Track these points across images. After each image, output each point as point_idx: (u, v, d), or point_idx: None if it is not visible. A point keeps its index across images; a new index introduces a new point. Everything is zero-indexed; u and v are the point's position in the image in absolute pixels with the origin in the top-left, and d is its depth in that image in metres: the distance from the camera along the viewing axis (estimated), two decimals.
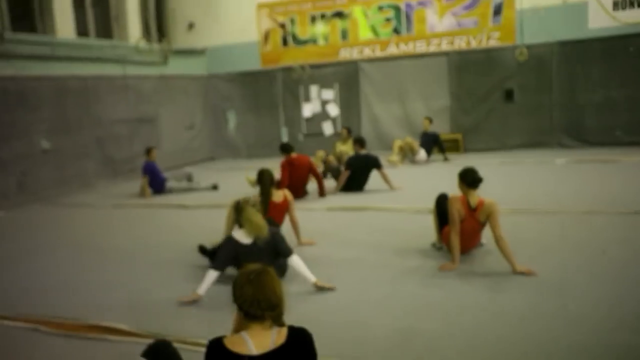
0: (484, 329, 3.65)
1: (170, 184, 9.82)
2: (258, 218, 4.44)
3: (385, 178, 8.60)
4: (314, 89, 13.44)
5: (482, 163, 10.51)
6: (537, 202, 7.11)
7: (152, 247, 6.19)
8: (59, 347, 3.83)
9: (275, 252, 4.51)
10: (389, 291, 4.43)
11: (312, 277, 4.47)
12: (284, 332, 2.34)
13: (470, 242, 5.06)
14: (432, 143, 11.21)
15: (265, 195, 5.73)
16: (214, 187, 9.72)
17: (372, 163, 8.69)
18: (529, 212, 6.60)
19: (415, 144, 11.12)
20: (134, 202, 9.11)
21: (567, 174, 9.07)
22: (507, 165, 10.26)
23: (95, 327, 4.04)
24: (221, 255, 4.42)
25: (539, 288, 4.26)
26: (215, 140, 14.57)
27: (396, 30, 12.71)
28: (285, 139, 13.82)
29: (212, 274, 4.34)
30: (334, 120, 13.40)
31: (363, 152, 8.86)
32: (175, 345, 2.92)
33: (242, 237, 4.44)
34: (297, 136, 13.75)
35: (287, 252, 4.50)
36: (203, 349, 2.39)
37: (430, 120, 11.43)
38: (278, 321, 2.36)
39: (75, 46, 10.79)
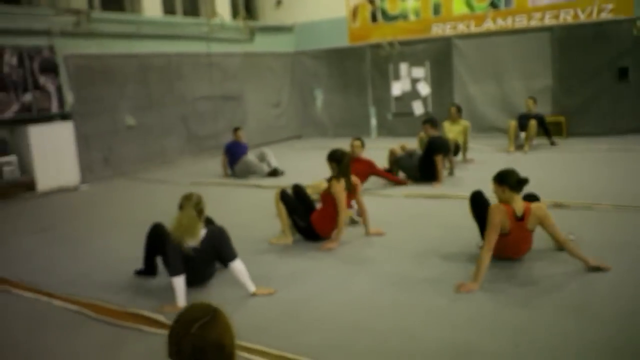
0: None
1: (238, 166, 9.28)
2: (188, 220, 3.97)
3: (440, 170, 7.60)
4: (403, 67, 12.73)
5: (587, 149, 9.54)
6: None
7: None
8: (99, 333, 3.64)
9: (217, 255, 4.09)
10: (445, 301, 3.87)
11: (251, 287, 4.03)
12: None
13: (521, 250, 4.35)
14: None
15: (347, 176, 5.24)
16: (273, 173, 9.04)
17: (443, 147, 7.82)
18: (638, 210, 5.69)
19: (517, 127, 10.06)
20: (212, 180, 9.00)
21: None
22: (616, 152, 9.12)
23: (134, 316, 3.82)
24: (173, 261, 3.96)
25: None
26: (302, 119, 14.30)
27: (493, 4, 11.69)
28: (373, 118, 13.30)
29: (179, 281, 3.91)
30: (424, 99, 12.66)
31: (436, 133, 8.05)
32: None
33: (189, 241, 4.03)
34: (385, 115, 13.17)
35: (230, 256, 4.04)
36: None
37: (535, 101, 10.30)
38: None
39: (160, 24, 10.84)
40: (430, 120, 8.19)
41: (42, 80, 8.96)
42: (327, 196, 5.20)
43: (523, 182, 4.11)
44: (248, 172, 9.12)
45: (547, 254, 4.48)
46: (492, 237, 3.98)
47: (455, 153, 8.90)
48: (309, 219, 5.27)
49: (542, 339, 3.17)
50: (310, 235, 5.30)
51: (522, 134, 10.02)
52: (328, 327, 3.52)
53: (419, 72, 12.59)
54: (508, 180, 4.11)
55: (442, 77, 12.37)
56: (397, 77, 12.85)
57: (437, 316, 3.55)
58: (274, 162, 9.26)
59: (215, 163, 10.17)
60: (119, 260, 5.03)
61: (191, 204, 4.04)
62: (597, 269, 4.03)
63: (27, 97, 8.76)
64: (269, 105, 13.49)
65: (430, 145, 7.74)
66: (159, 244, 4.37)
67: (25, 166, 8.67)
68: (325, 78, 13.82)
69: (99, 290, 4.37)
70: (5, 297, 4.44)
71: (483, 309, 3.60)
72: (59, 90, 9.15)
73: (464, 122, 9.23)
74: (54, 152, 8.89)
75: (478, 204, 4.56)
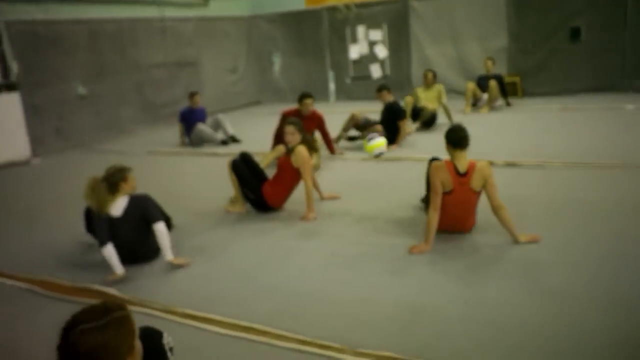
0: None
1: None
2: (92, 187, 4.01)
3: (403, 134, 7.76)
4: (361, 30, 12.62)
5: (542, 108, 9.71)
6: (600, 154, 6.30)
7: (175, 197, 5.86)
8: (53, 309, 3.57)
9: (145, 220, 4.06)
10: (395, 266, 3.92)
11: (169, 255, 3.99)
12: None
13: (468, 213, 4.15)
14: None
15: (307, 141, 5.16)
16: (226, 142, 8.92)
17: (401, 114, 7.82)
18: (587, 167, 5.84)
19: (477, 89, 10.16)
20: (168, 150, 8.85)
21: (638, 122, 8.10)
22: (570, 112, 9.31)
23: (86, 290, 3.76)
24: (100, 231, 3.95)
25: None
26: (261, 84, 14.12)
27: None
28: (332, 82, 13.22)
29: (107, 250, 3.88)
30: (382, 62, 12.61)
31: (392, 99, 7.95)
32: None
33: (113, 209, 4.06)
34: (344, 79, 13.10)
35: (153, 218, 4.03)
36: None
37: (493, 61, 10.32)
38: None
39: None
40: (386, 87, 8.04)
41: None
42: (286, 165, 5.03)
43: (464, 139, 4.00)
44: (202, 140, 8.98)
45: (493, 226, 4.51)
46: (435, 197, 3.96)
47: (431, 123, 8.83)
48: (259, 190, 5.10)
49: (490, 297, 3.25)
50: (261, 207, 5.18)
51: (485, 95, 10.09)
52: (281, 294, 3.53)
53: (376, 34, 12.50)
54: (449, 136, 4.06)
55: (399, 40, 12.32)
56: (354, 40, 12.75)
57: (390, 281, 3.59)
58: (230, 130, 9.13)
59: (173, 132, 9.99)
60: (72, 236, 4.91)
61: (107, 175, 4.08)
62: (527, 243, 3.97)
63: None
64: (226, 71, 13.25)
65: (392, 110, 7.77)
66: (91, 221, 4.33)
67: None
68: (283, 42, 13.62)
69: (51, 267, 4.27)
70: None
71: (434, 274, 3.66)
72: (3, 59, 8.76)
73: (438, 86, 9.07)
74: (0, 124, 8.55)
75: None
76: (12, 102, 8.78)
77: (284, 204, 5.25)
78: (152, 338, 2.18)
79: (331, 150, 7.45)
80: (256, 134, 9.35)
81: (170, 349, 2.23)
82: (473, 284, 3.44)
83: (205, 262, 4.16)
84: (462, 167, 4.00)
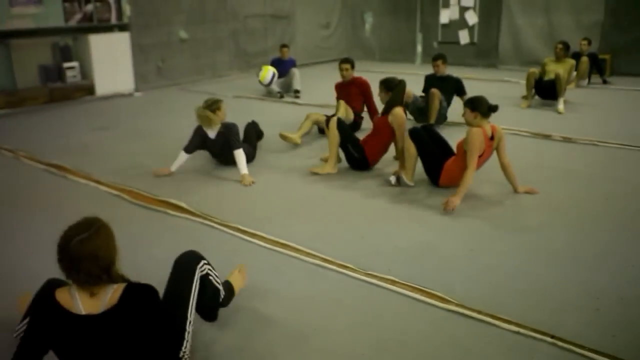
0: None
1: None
2: (203, 113, 5.19)
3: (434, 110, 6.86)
4: None
5: (632, 89, 9.48)
6: None
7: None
8: (135, 214, 4.42)
9: (229, 144, 5.21)
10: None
11: (244, 170, 5.09)
12: (118, 291, 2.08)
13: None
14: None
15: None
16: (280, 95, 9.28)
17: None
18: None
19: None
20: (253, 95, 9.58)
21: None
22: None
23: (162, 202, 4.58)
24: (191, 141, 5.32)
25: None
26: (351, 41, 14.55)
27: None
28: (419, 45, 13.44)
29: (183, 155, 5.29)
30: (471, 29, 12.65)
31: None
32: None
33: (209, 131, 5.27)
34: (432, 43, 13.27)
35: (234, 146, 5.16)
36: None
37: (589, 42, 9.82)
38: (107, 282, 2.09)
39: None
40: (443, 56, 7.29)
41: None
42: (384, 124, 5.16)
43: (493, 108, 4.44)
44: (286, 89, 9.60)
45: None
46: (474, 159, 4.32)
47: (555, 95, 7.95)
48: (361, 149, 5.25)
49: (495, 247, 3.73)
50: (361, 166, 5.31)
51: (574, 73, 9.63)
52: (317, 224, 4.16)
53: (469, 0, 12.52)
54: (480, 107, 4.42)
55: (491, 7, 12.27)
56: (446, 4, 12.83)
57: (410, 225, 4.14)
58: (297, 85, 9.44)
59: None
60: (164, 156, 5.73)
61: (205, 105, 5.25)
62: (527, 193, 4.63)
63: (89, 7, 9.46)
64: (319, 25, 13.79)
65: (458, 85, 7.16)
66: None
67: (85, 72, 9.50)
68: (377, 1, 13.91)
69: (140, 181, 5.14)
70: (62, 180, 5.30)
71: (444, 221, 4.17)
72: (118, 2, 9.79)
73: (570, 61, 8.35)
74: (111, 60, 9.65)
75: (418, 137, 4.72)
76: (123, 40, 9.86)
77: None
78: (189, 262, 2.60)
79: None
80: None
81: (205, 275, 2.62)
82: (485, 235, 3.92)
83: (263, 193, 4.87)
84: (489, 131, 4.46)
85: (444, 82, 7.18)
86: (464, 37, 12.75)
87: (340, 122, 5.25)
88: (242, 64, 12.11)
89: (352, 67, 6.88)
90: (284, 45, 10.01)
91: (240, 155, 5.13)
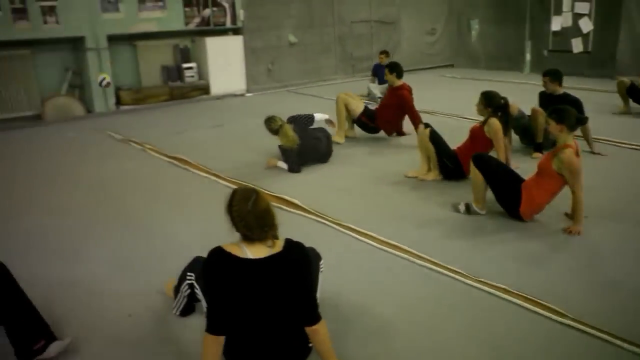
0: None
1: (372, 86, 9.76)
2: (291, 133, 5.60)
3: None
4: (566, 1, 12.23)
5: None
6: None
7: None
8: None
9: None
10: None
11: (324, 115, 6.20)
12: (279, 243, 2.44)
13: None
14: None
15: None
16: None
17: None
18: None
19: None
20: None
21: None
22: None
23: (277, 198, 4.84)
24: (289, 161, 5.65)
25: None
26: (456, 48, 14.38)
27: None
28: (528, 53, 13.07)
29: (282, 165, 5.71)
30: (585, 36, 12.14)
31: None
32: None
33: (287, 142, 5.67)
34: (541, 51, 12.86)
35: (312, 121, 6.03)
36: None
37: None
38: (275, 236, 2.46)
39: None
40: (558, 74, 6.34)
41: None
42: (480, 133, 5.02)
43: (582, 120, 4.07)
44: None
45: None
46: (581, 181, 3.94)
47: None
48: (456, 159, 5.16)
49: (616, 262, 3.65)
50: (456, 175, 5.21)
51: None
52: (431, 227, 4.25)
53: (583, 6, 12.01)
54: (567, 120, 3.99)
55: (608, 13, 11.70)
56: (558, 11, 12.39)
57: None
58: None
59: (365, 83, 10.91)
60: (276, 155, 6.00)
61: (284, 124, 5.66)
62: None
63: (207, 11, 10.05)
64: (424, 32, 13.77)
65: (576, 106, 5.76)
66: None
67: (202, 73, 10.09)
68: (484, 8, 13.66)
69: (255, 177, 5.45)
70: (184, 172, 5.73)
71: (558, 234, 4.09)
72: (233, 7, 10.33)
73: None
74: (225, 62, 10.20)
75: (483, 165, 4.34)
76: (236, 43, 10.39)
77: None
78: (315, 255, 2.93)
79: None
80: (445, 96, 9.85)
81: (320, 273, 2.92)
82: (605, 250, 3.83)
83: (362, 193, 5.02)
84: (574, 146, 4.03)
85: (559, 102, 6.15)
86: (577, 45, 12.24)
87: (433, 133, 5.18)
88: (347, 68, 12.35)
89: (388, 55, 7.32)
90: (382, 52, 10.14)
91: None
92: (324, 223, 4.35)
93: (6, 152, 6.71)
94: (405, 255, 3.77)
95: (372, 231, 4.13)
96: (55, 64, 8.94)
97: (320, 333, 2.47)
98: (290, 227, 4.26)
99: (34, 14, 8.33)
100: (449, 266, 3.58)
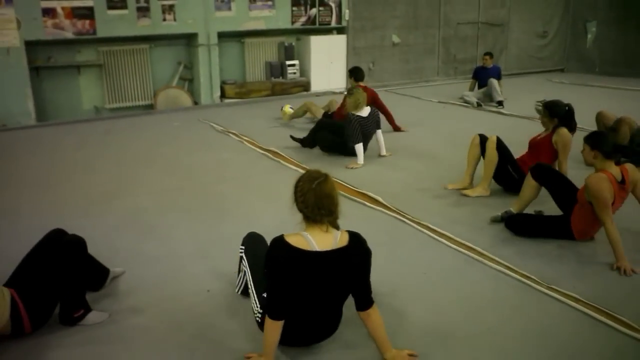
0: None
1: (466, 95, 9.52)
2: (357, 98, 5.93)
3: None
4: None
5: None
6: None
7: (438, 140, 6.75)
8: None
9: (376, 123, 6.06)
10: None
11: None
12: (345, 235, 2.51)
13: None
14: None
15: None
16: (478, 104, 9.10)
17: None
18: None
19: None
20: (458, 102, 9.56)
21: None
22: None
23: (362, 194, 4.95)
24: (354, 131, 5.82)
25: None
26: (569, 52, 13.72)
27: None
28: None
29: (359, 147, 5.83)
30: None
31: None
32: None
33: (361, 112, 5.89)
34: None
35: (379, 126, 6.11)
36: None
37: None
38: (334, 224, 2.52)
39: None
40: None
41: None
42: (545, 144, 4.73)
43: (620, 149, 3.67)
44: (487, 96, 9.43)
45: None
46: (607, 211, 3.54)
47: None
48: (521, 170, 4.76)
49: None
50: (517, 187, 4.58)
51: None
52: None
53: None
54: (602, 146, 3.63)
55: None
56: None
57: None
58: (498, 96, 9.14)
59: (466, 86, 10.71)
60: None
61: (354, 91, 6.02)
62: None
63: (313, 11, 10.34)
64: (534, 35, 13.26)
65: None
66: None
67: (304, 70, 10.40)
68: (604, 10, 12.89)
69: (343, 172, 5.59)
70: (276, 164, 6.00)
71: None
72: (339, 6, 10.55)
73: None
74: (327, 60, 10.44)
75: (541, 175, 4.10)
76: (340, 42, 10.62)
77: None
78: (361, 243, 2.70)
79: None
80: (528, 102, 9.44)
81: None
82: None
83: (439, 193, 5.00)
84: (617, 174, 3.65)
85: None
86: None
87: (500, 142, 4.85)
88: (449, 70, 12.20)
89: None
90: (487, 53, 9.82)
91: (380, 136, 6.18)
92: (403, 221, 4.40)
93: (116, 139, 7.32)
94: (478, 257, 3.75)
95: (449, 231, 4.14)
96: (168, 58, 9.62)
97: (373, 316, 2.58)
98: (372, 222, 4.37)
99: (155, 11, 9.01)
100: (521, 271, 3.53)
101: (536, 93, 10.00)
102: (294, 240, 2.45)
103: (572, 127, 4.73)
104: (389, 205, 4.69)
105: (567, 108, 4.73)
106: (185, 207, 4.78)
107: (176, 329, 2.95)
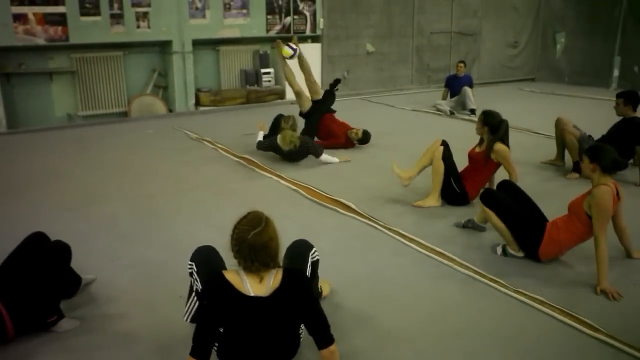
0: None
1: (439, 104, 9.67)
2: (290, 135, 6.08)
3: None
4: None
5: None
6: None
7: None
8: (308, 209, 4.92)
9: (307, 153, 6.26)
10: None
11: (330, 159, 6.25)
12: (279, 276, 2.37)
13: None
14: None
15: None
16: (451, 113, 9.25)
17: None
18: None
19: None
20: (429, 110, 9.69)
21: None
22: None
23: (334, 200, 5.02)
24: (266, 144, 6.36)
25: None
26: (539, 61, 14.02)
27: None
28: (616, 68, 12.54)
29: (326, 157, 6.23)
30: None
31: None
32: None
33: (282, 144, 6.13)
34: (632, 67, 12.29)
35: (316, 154, 6.22)
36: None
37: None
38: (276, 266, 2.40)
39: None
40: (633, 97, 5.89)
41: (302, 5, 10.53)
42: (480, 158, 4.80)
43: (620, 165, 3.58)
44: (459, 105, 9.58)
45: None
46: (605, 226, 3.45)
47: None
48: (462, 184, 4.84)
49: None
50: (461, 201, 4.87)
51: None
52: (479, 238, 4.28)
53: None
54: (603, 159, 3.52)
55: None
56: None
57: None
58: (471, 104, 9.31)
59: (439, 94, 10.88)
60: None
61: (287, 125, 6.19)
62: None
63: (288, 19, 10.42)
64: (506, 44, 13.53)
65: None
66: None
67: (278, 78, 10.45)
68: (571, 22, 13.23)
69: (316, 179, 5.65)
70: (250, 172, 6.02)
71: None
72: (314, 15, 10.65)
73: None
74: None
75: (494, 205, 3.90)
76: (314, 51, 10.68)
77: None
78: (301, 247, 2.92)
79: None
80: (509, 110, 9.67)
81: (314, 262, 2.91)
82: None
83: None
84: (614, 190, 3.56)
85: (625, 126, 5.85)
86: None
87: (446, 152, 4.80)
88: (422, 79, 12.38)
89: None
90: (461, 61, 10.00)
91: (321, 158, 6.29)
92: (375, 227, 4.47)
93: (89, 146, 7.28)
94: (449, 263, 3.84)
95: (419, 237, 4.23)
96: (143, 65, 9.59)
97: (337, 353, 2.40)
98: (344, 228, 4.44)
99: (129, 18, 8.98)
100: (489, 275, 3.62)
101: (507, 102, 10.24)
102: (232, 278, 2.35)
103: (506, 143, 4.74)
104: (360, 212, 4.76)
105: (501, 122, 4.73)
106: (159, 213, 4.79)
107: (151, 335, 2.97)
